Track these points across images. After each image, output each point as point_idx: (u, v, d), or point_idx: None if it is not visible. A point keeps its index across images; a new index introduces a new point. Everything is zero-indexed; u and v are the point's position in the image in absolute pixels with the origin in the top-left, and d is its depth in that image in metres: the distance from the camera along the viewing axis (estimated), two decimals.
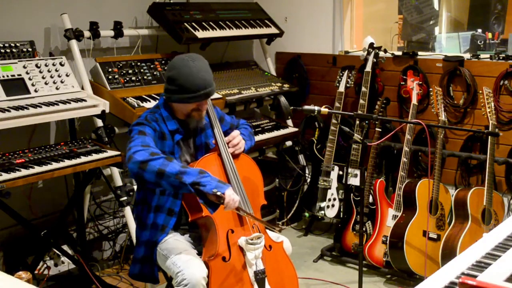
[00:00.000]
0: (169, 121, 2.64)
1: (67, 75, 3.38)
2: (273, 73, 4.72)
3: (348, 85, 4.15)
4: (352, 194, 3.93)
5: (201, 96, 2.56)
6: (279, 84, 4.46)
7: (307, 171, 4.60)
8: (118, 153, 3.23)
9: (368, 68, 4.03)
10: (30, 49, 3.36)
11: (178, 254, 2.52)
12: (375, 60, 4.05)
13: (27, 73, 3.21)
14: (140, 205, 2.72)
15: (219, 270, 2.47)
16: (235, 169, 2.66)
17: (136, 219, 2.76)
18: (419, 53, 4.16)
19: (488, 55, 3.88)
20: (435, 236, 3.55)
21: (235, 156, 2.72)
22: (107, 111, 3.37)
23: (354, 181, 3.91)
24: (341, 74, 4.19)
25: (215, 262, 2.47)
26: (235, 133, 2.76)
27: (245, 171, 2.75)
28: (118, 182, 3.47)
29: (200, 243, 2.65)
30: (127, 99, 3.48)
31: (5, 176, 2.76)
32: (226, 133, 2.81)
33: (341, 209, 4.04)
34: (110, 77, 3.61)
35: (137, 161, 2.38)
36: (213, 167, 2.62)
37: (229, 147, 2.70)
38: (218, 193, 2.35)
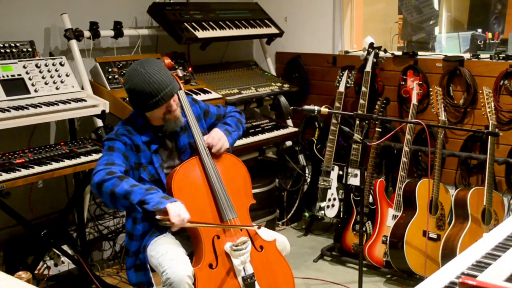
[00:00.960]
0: (143, 131, 2.58)
1: (67, 75, 3.38)
2: (273, 73, 4.72)
3: (348, 85, 4.15)
4: (352, 194, 3.93)
5: (164, 98, 2.49)
6: (279, 84, 4.45)
7: (307, 171, 4.60)
8: None
9: (368, 68, 4.02)
10: (30, 49, 3.36)
11: (165, 253, 2.49)
12: (375, 60, 4.05)
13: (27, 73, 3.21)
14: (126, 217, 2.70)
15: (206, 277, 2.42)
16: (216, 172, 2.59)
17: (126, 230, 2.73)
18: (419, 53, 4.15)
19: (488, 55, 3.87)
20: (435, 236, 3.54)
21: (217, 156, 2.65)
22: (107, 111, 3.37)
23: (354, 181, 3.91)
24: (341, 74, 4.18)
25: (201, 270, 2.42)
26: (213, 133, 2.69)
27: (229, 172, 2.67)
28: None
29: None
30: (127, 99, 3.47)
31: (5, 176, 2.76)
32: (214, 126, 2.77)
33: (341, 209, 4.04)
34: (110, 77, 3.61)
35: (94, 183, 2.36)
36: (193, 172, 2.58)
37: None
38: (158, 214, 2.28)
